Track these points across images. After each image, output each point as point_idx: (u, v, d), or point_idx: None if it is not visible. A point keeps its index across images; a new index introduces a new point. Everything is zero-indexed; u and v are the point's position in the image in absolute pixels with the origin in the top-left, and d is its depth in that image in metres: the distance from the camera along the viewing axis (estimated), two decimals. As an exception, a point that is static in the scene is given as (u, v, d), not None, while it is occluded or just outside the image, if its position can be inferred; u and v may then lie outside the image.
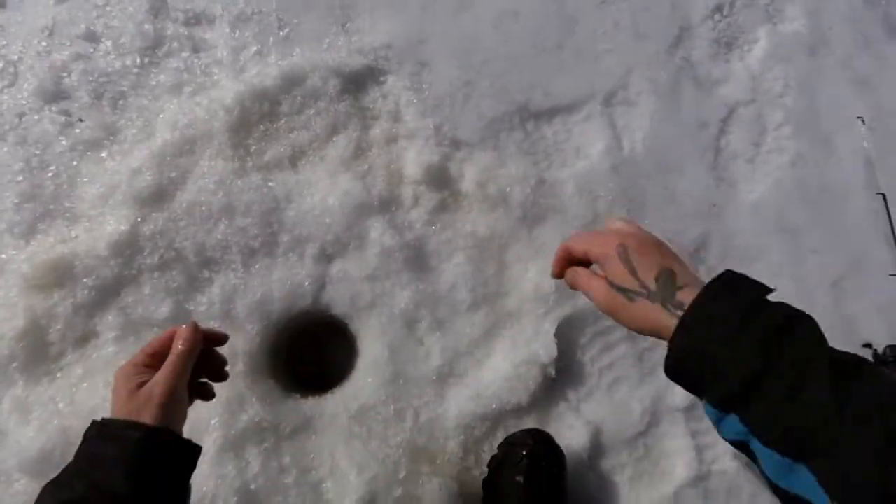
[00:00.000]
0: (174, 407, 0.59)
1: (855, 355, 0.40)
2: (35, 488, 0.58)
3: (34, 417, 0.96)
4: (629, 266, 0.51)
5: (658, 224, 1.27)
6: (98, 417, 0.59)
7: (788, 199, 1.36)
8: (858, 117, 1.46)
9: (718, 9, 1.49)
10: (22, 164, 1.09)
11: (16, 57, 1.15)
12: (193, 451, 0.61)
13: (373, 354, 1.10)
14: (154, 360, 0.63)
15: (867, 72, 1.52)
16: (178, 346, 0.62)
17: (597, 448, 1.11)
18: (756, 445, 0.40)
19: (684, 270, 0.50)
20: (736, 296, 0.44)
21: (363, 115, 1.22)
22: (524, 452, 0.96)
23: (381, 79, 1.25)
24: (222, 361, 0.71)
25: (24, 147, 1.10)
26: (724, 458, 1.16)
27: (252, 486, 0.97)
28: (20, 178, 1.08)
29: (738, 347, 0.40)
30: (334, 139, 1.19)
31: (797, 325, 0.41)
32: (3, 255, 1.04)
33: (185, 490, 0.60)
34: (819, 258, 1.33)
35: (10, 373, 0.98)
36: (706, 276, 1.22)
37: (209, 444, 0.97)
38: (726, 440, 0.44)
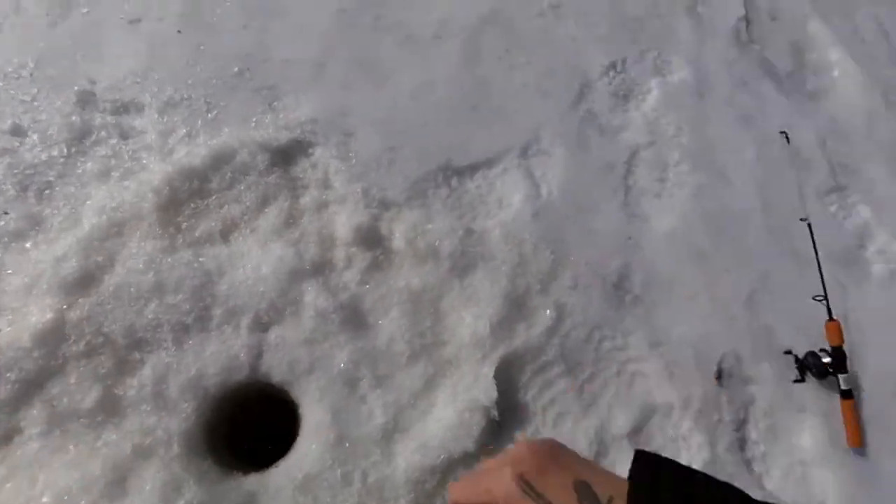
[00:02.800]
0: None
1: None
2: None
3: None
4: (542, 501, 0.44)
5: (582, 259, 1.35)
6: None
7: (696, 227, 1.49)
8: (781, 132, 1.62)
9: (612, 66, 1.68)
10: (-62, 262, 1.07)
11: (-65, 157, 1.15)
12: None
13: (315, 419, 1.09)
14: None
15: (749, 108, 1.72)
16: None
17: (547, 487, 1.11)
18: None
19: (595, 474, 0.44)
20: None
21: (293, 185, 1.28)
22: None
23: (310, 150, 1.32)
24: None
25: (-58, 245, 1.08)
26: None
27: (191, 577, 0.92)
28: (-64, 277, 1.06)
29: None
30: (265, 210, 1.23)
31: None
32: (-85, 359, 1.00)
33: None
34: (731, 276, 1.45)
35: (-82, 486, 0.91)
36: (633, 305, 1.28)
37: (142, 537, 0.92)
38: None
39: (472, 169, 1.41)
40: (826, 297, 1.32)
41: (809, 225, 1.38)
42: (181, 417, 1.03)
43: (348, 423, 1.09)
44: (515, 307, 1.25)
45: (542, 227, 1.36)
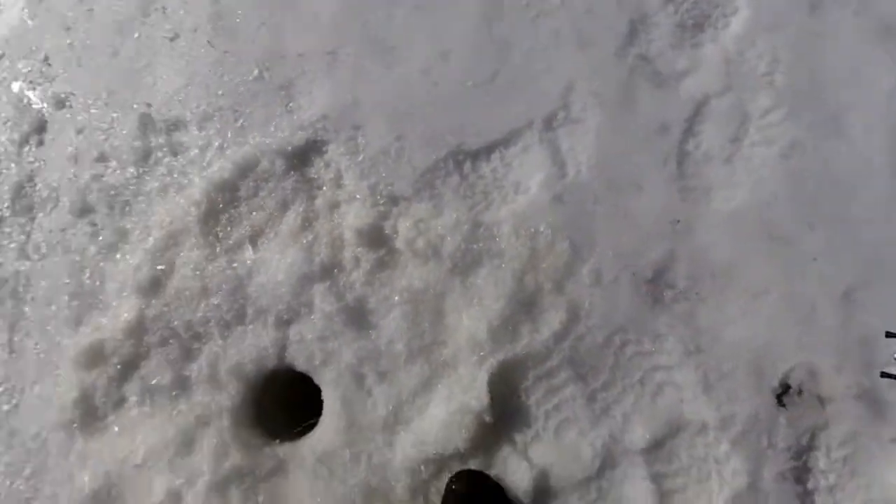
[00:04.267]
0: None
1: None
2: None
3: (89, 465, 1.28)
4: None
5: (609, 250, 1.18)
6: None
7: (780, 200, 1.16)
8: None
9: (682, -14, 1.29)
10: (68, 270, 1.42)
11: (55, 184, 1.48)
12: None
13: (332, 405, 1.23)
14: None
15: (892, 15, 1.19)
16: None
17: (542, 492, 1.11)
18: None
19: None
20: None
21: (310, 186, 1.34)
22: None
23: (324, 149, 1.35)
24: None
25: (68, 255, 1.43)
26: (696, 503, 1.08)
27: (234, 523, 1.18)
28: (67, 280, 1.41)
29: None
30: (286, 214, 1.33)
31: None
32: (62, 342, 1.38)
33: None
34: (822, 267, 1.12)
35: (73, 431, 1.31)
36: (672, 304, 1.10)
37: (200, 486, 1.20)
38: None
39: (488, 150, 1.29)
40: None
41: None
42: (228, 395, 1.26)
43: (357, 411, 1.21)
44: (522, 308, 1.18)
45: (563, 213, 1.21)
